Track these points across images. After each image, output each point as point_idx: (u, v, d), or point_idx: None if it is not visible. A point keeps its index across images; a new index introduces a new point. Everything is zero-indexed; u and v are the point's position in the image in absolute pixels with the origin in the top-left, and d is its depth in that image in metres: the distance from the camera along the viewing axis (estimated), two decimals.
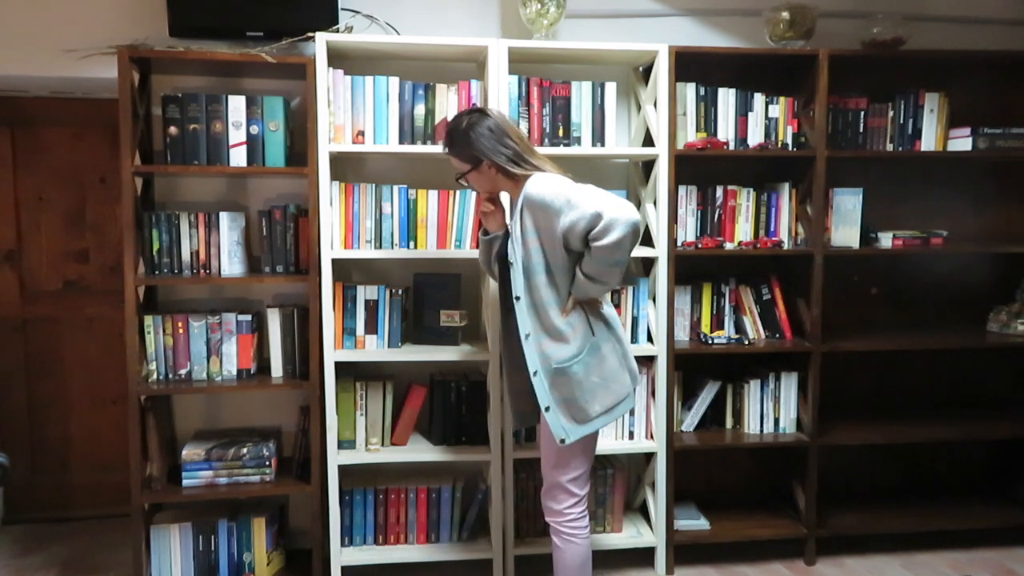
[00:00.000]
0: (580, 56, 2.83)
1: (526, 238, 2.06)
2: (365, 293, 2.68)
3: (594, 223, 1.95)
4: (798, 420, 2.97)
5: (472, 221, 2.70)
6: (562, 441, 2.09)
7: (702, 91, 2.83)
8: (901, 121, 2.98)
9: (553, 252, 2.06)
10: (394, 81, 2.66)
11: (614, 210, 1.94)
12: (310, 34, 2.60)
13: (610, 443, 2.83)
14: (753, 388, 2.96)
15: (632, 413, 2.84)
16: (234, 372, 2.70)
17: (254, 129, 2.63)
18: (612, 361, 2.14)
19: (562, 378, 2.08)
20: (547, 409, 2.10)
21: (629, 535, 2.89)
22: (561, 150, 2.71)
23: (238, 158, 2.63)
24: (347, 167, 2.85)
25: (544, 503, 2.25)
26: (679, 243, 2.84)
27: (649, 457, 2.91)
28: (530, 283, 2.08)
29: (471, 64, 2.89)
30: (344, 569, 2.71)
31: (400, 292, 2.71)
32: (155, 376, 2.67)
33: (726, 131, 2.87)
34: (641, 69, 2.90)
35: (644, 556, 2.89)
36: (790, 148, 2.91)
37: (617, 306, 2.80)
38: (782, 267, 3.01)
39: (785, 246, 2.91)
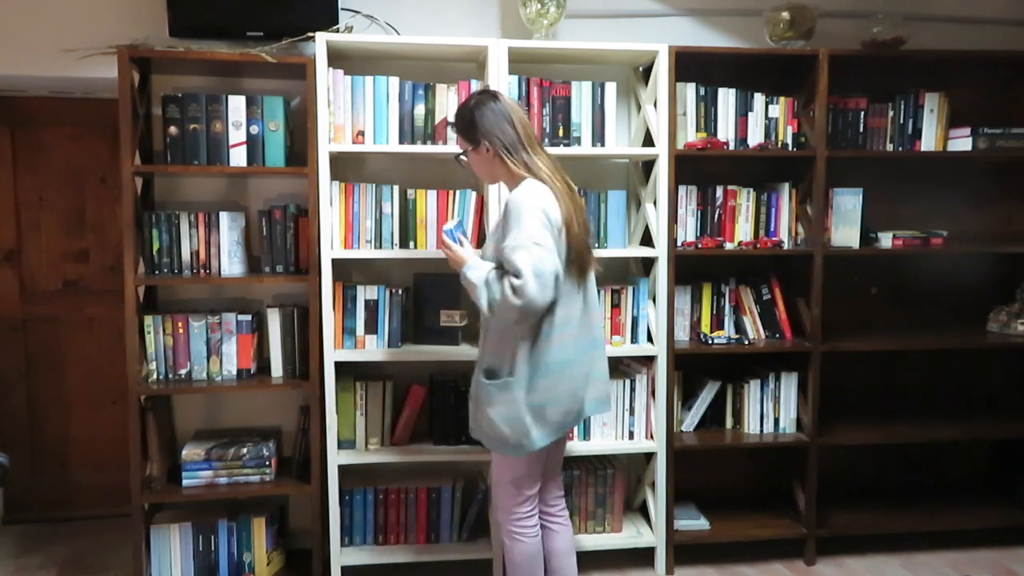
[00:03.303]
0: (580, 56, 2.83)
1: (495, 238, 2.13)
2: (365, 293, 2.69)
3: (515, 273, 1.94)
4: (798, 420, 2.97)
5: (472, 221, 2.70)
6: None
7: (702, 91, 2.83)
8: (901, 121, 2.98)
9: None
10: (394, 81, 2.66)
11: (530, 283, 1.90)
12: (310, 34, 2.60)
13: (610, 443, 2.83)
14: (753, 388, 2.96)
15: (632, 412, 2.85)
16: (234, 372, 2.70)
17: (254, 129, 2.63)
18: None
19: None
20: None
21: (629, 535, 2.89)
22: (561, 150, 2.71)
23: (238, 158, 2.63)
24: (347, 167, 2.85)
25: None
26: (679, 243, 2.83)
27: (649, 457, 2.91)
28: None
29: (471, 64, 2.89)
30: (344, 569, 2.71)
31: (400, 292, 2.71)
32: (155, 376, 2.67)
33: (726, 131, 2.87)
34: (641, 69, 2.90)
35: (644, 556, 2.89)
36: (790, 148, 2.91)
37: (616, 306, 2.80)
38: (782, 267, 3.01)
39: (785, 246, 2.91)
